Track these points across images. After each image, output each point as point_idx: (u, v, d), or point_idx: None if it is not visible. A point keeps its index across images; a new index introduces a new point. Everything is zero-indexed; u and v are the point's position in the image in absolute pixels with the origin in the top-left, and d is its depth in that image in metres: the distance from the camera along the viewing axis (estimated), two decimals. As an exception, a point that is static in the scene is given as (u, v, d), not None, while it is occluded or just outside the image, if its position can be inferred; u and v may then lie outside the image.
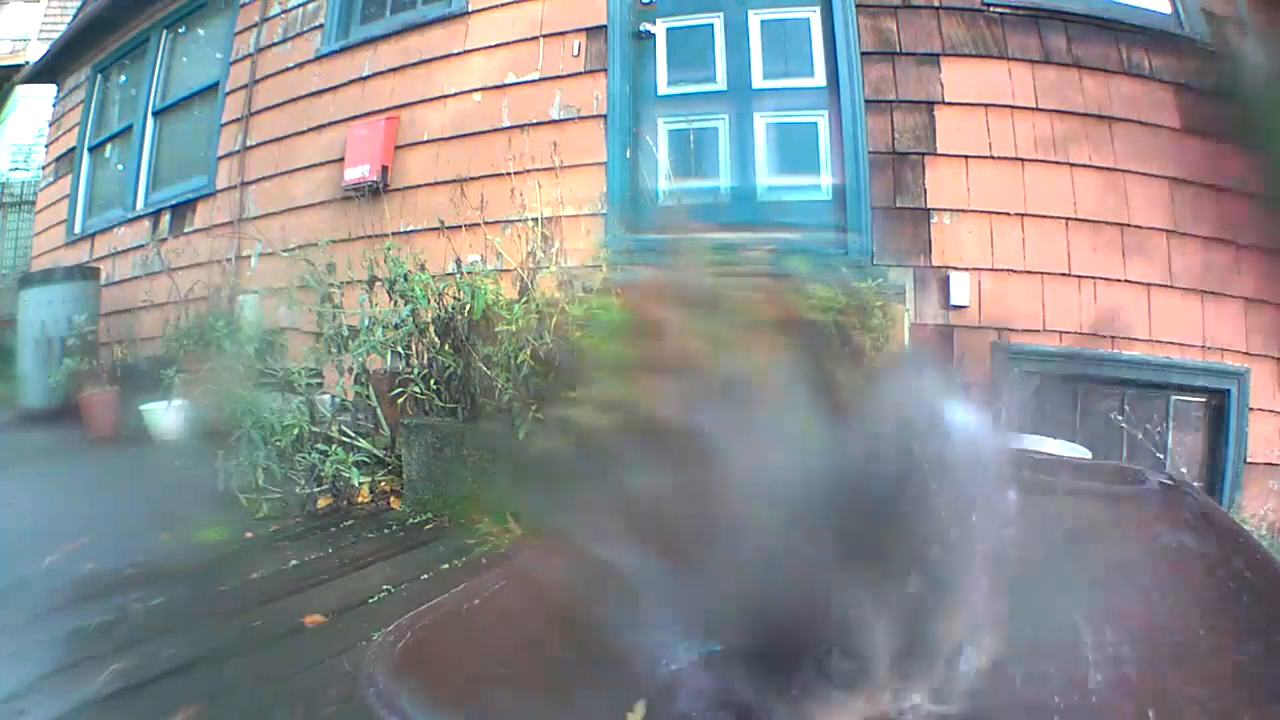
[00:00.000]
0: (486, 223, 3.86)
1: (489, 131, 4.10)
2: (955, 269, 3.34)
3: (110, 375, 4.90)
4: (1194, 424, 3.28)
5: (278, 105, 4.97)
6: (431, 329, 3.17)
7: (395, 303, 3.27)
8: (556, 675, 0.74)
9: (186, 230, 5.39)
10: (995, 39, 3.40)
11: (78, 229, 6.43)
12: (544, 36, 4.03)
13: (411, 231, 4.16)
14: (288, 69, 4.94)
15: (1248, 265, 3.21)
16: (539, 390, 2.72)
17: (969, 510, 0.68)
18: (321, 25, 4.81)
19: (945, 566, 0.67)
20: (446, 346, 3.11)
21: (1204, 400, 3.27)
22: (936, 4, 3.45)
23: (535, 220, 3.63)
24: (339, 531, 2.80)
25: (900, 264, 3.38)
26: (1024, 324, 3.29)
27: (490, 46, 4.17)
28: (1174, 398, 3.26)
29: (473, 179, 4.07)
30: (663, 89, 3.90)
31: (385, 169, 4.33)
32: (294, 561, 2.52)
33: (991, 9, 3.41)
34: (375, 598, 2.21)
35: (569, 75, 3.96)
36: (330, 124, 4.67)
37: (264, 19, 5.12)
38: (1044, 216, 3.31)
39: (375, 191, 4.36)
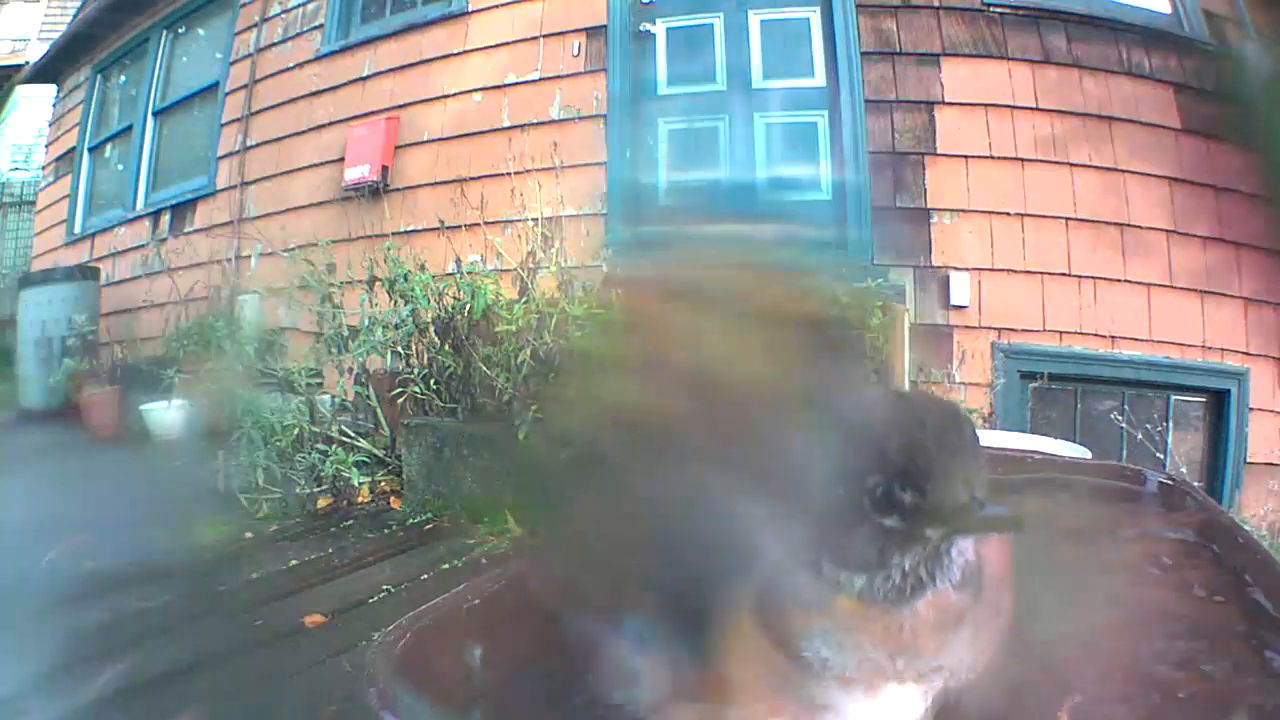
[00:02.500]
0: (486, 223, 3.86)
1: (489, 131, 4.10)
2: (955, 269, 3.34)
3: (110, 375, 4.90)
4: (1194, 424, 3.28)
5: (278, 105, 4.97)
6: (431, 329, 3.17)
7: (395, 303, 3.27)
8: (556, 675, 0.74)
9: (186, 230, 5.39)
10: (995, 39, 3.40)
11: (78, 229, 6.43)
12: (544, 36, 4.03)
13: (411, 231, 4.16)
14: (288, 69, 4.94)
15: (1248, 265, 3.21)
16: (539, 390, 2.72)
17: None
18: (321, 25, 4.81)
19: None
20: (446, 346, 3.11)
21: (1204, 400, 3.27)
22: (936, 4, 3.45)
23: (535, 220, 3.63)
24: (339, 531, 2.80)
25: (900, 264, 3.38)
26: (1024, 324, 3.30)
27: (490, 46, 4.17)
28: (1174, 398, 3.26)
29: (473, 179, 4.07)
30: (663, 89, 3.90)
31: (385, 169, 4.33)
32: (294, 561, 2.52)
33: (991, 9, 3.41)
34: (375, 598, 2.20)
35: (569, 75, 3.96)
36: (330, 124, 4.67)
37: (264, 19, 5.12)
38: (1044, 216, 3.31)
39: (375, 191, 4.36)
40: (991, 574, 0.60)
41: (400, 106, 4.39)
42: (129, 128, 6.09)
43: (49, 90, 7.39)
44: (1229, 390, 3.19)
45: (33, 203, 7.81)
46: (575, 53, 3.95)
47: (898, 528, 0.54)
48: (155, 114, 5.91)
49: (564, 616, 0.73)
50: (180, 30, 5.91)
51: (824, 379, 0.65)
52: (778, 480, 0.59)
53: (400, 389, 3.08)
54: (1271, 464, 3.15)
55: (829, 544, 0.56)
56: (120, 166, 6.15)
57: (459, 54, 4.25)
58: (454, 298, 3.17)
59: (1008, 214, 3.33)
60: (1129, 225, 3.26)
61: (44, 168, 7.26)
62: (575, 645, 0.69)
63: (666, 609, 0.63)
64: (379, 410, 3.31)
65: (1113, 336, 3.25)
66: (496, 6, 4.17)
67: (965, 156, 3.37)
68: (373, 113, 4.47)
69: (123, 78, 6.40)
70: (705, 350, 0.64)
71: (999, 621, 0.60)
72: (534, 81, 4.03)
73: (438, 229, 3.86)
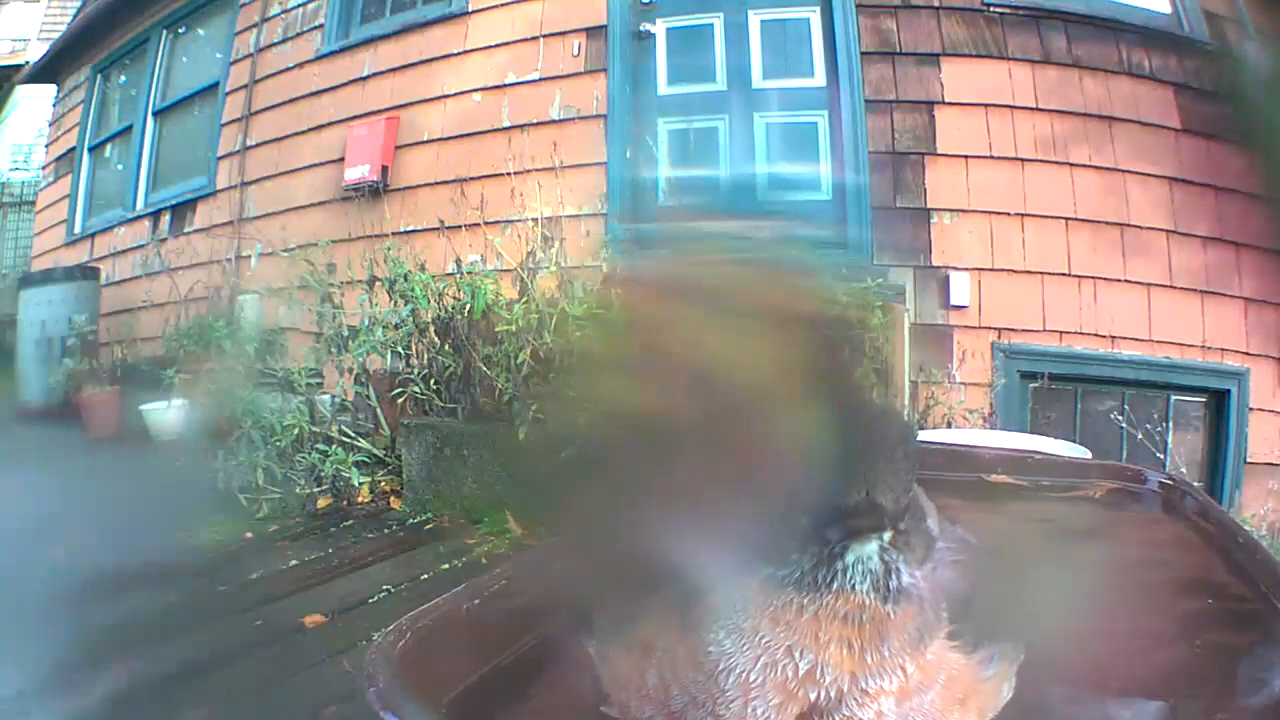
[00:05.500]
0: (486, 223, 3.86)
1: (489, 131, 4.10)
2: (955, 269, 3.34)
3: (110, 375, 4.90)
4: (1194, 424, 3.28)
5: (278, 105, 4.97)
6: (431, 329, 3.18)
7: (395, 303, 3.27)
8: (557, 675, 0.74)
9: (186, 230, 5.39)
10: (995, 39, 3.40)
11: (78, 229, 6.43)
12: (544, 36, 4.03)
13: (411, 231, 4.16)
14: (288, 69, 4.94)
15: (1248, 265, 3.21)
16: (539, 390, 2.73)
17: None
18: (321, 25, 4.81)
19: None
20: (446, 346, 3.12)
21: (1204, 400, 3.27)
22: (936, 4, 3.45)
23: (535, 220, 3.63)
24: (339, 531, 2.80)
25: (900, 264, 3.38)
26: (1024, 324, 3.30)
27: (490, 46, 4.16)
28: (1174, 398, 3.26)
29: (473, 179, 4.07)
30: (663, 89, 3.90)
31: (385, 169, 4.33)
32: (294, 561, 2.52)
33: (991, 9, 3.41)
34: (375, 598, 2.21)
35: (569, 75, 3.96)
36: (330, 124, 4.67)
37: (264, 19, 5.12)
38: (1044, 216, 3.31)
39: (375, 191, 4.36)
40: (932, 591, 0.58)
41: (400, 106, 4.39)
42: (129, 128, 6.08)
43: (49, 90, 7.39)
44: (1229, 390, 3.19)
45: (33, 203, 7.80)
46: (575, 53, 3.95)
47: (804, 526, 0.55)
48: (155, 114, 5.91)
49: (562, 616, 0.73)
50: (180, 30, 5.91)
51: (817, 380, 0.65)
52: (737, 476, 0.60)
53: (400, 389, 3.09)
54: (1271, 464, 3.15)
55: (754, 541, 0.57)
56: (120, 166, 6.15)
57: (459, 54, 4.25)
58: (454, 298, 3.18)
59: (1008, 214, 3.33)
60: (1129, 225, 3.26)
61: (44, 168, 7.25)
62: (571, 645, 0.69)
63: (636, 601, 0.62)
64: (379, 410, 3.31)
65: (1113, 336, 3.25)
66: (496, 6, 4.17)
67: (965, 156, 3.38)
68: (373, 113, 4.47)
69: (123, 78, 6.40)
70: (705, 350, 0.64)
71: (920, 638, 0.57)
72: (534, 81, 4.02)
73: (438, 229, 3.86)
